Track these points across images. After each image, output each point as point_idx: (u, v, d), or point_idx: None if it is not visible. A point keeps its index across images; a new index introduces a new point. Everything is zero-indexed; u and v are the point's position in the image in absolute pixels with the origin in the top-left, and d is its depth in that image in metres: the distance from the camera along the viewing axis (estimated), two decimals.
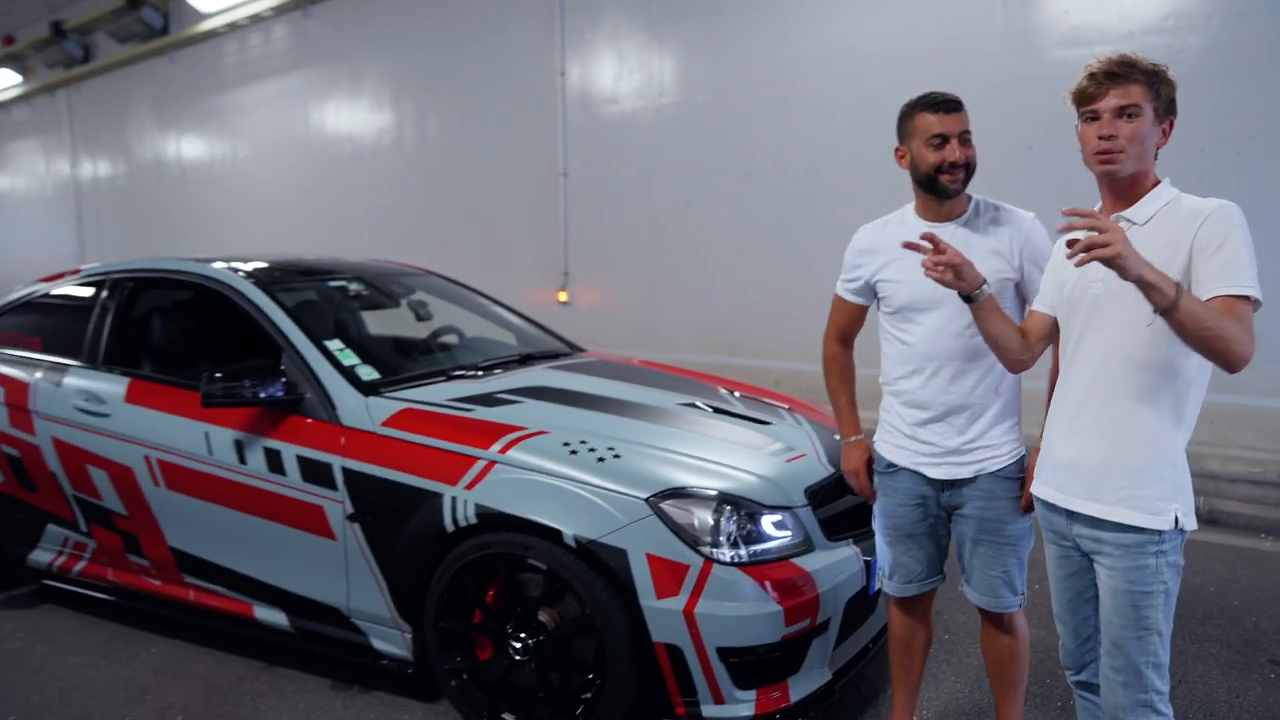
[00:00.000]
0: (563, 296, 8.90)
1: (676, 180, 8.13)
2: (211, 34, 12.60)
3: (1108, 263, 1.75)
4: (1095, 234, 1.75)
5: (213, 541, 3.44)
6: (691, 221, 8.07)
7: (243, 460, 3.28)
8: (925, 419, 2.53)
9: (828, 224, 7.02)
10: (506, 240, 9.50)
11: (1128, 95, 1.98)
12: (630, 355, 4.80)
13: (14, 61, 16.53)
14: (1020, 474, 2.52)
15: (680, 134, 8.08)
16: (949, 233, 2.46)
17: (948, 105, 2.42)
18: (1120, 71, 1.99)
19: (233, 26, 12.26)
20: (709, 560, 2.68)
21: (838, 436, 3.43)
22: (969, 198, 2.54)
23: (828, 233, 7.38)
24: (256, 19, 11.91)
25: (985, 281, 2.17)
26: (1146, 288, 1.79)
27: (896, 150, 2.55)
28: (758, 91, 7.54)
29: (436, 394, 3.32)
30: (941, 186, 2.45)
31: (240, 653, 3.59)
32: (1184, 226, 1.94)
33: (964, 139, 2.42)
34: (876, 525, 2.74)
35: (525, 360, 4.02)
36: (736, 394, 3.80)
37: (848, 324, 2.79)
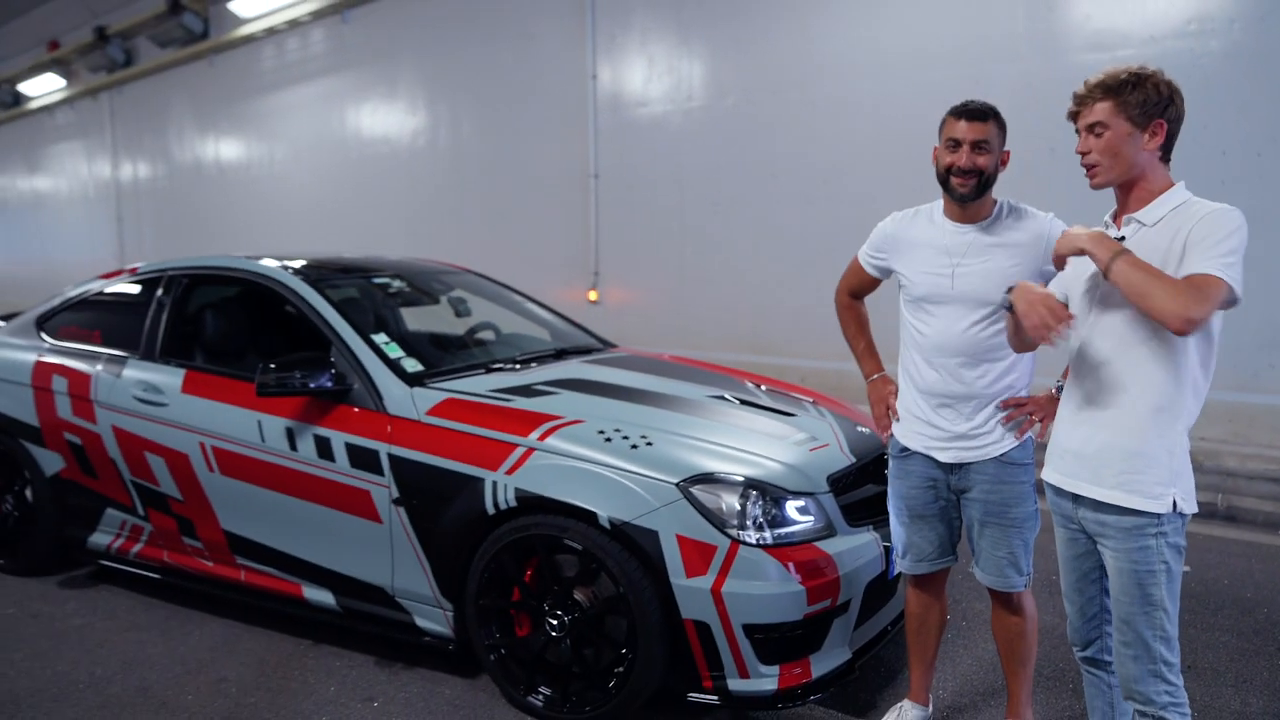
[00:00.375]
0: (593, 295, 9.08)
1: (704, 181, 8.28)
2: (250, 39, 12.89)
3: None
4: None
5: (264, 524, 3.64)
6: (719, 222, 8.22)
7: (294, 447, 3.47)
8: (936, 404, 2.67)
9: (851, 224, 7.11)
10: (538, 240, 9.69)
11: (1093, 114, 2.18)
12: (659, 352, 4.95)
13: (58, 66, 16.95)
14: (1028, 460, 2.66)
15: (708, 136, 8.23)
16: (969, 235, 2.60)
17: (971, 113, 2.57)
18: (1086, 94, 2.20)
19: (271, 31, 12.54)
20: (736, 542, 2.83)
21: (860, 428, 3.61)
22: (994, 202, 2.66)
23: (851, 232, 7.47)
24: (294, 24, 12.19)
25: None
26: (1089, 255, 2.07)
27: (934, 150, 2.68)
28: (783, 94, 7.67)
29: (477, 385, 3.49)
30: (951, 188, 2.60)
31: (289, 631, 3.78)
32: (1186, 226, 2.07)
33: (977, 147, 2.55)
34: (891, 506, 2.88)
35: (560, 355, 4.20)
36: (763, 387, 3.95)
37: (860, 286, 3.00)
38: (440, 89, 10.63)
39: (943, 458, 2.69)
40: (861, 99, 7.14)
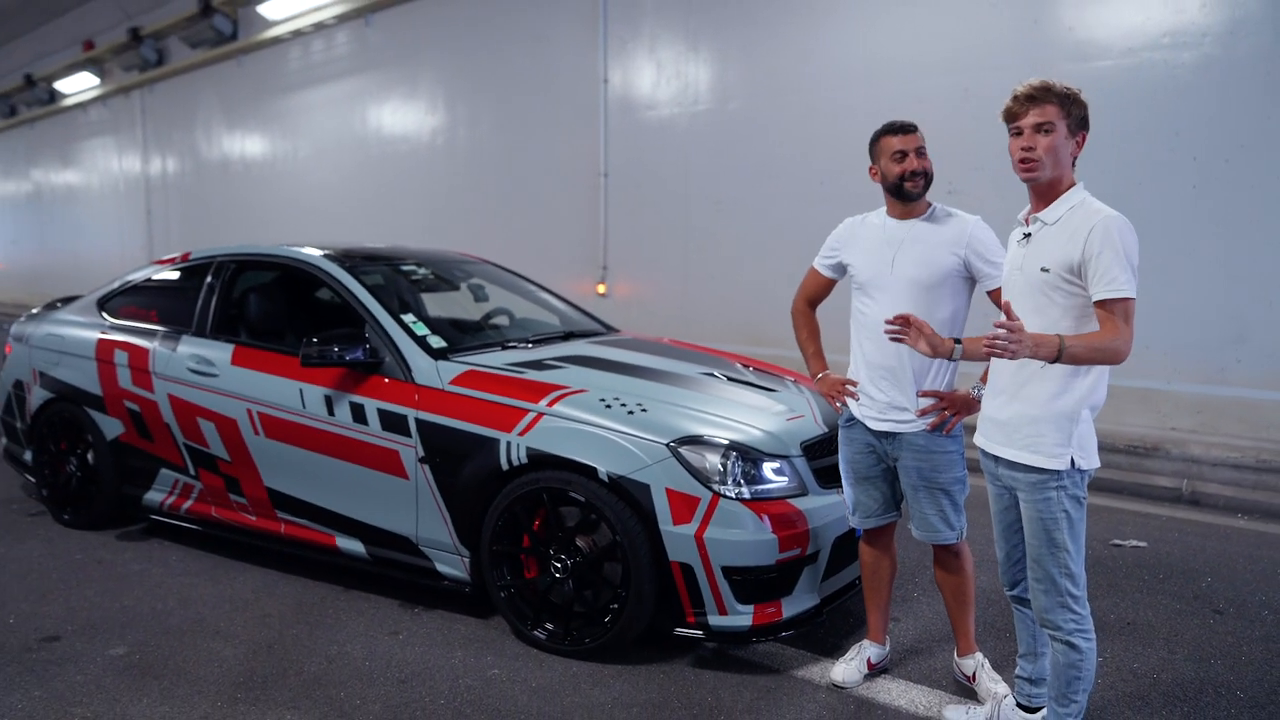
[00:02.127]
0: (601, 288, 9.54)
1: (708, 181, 8.73)
2: (277, 40, 13.41)
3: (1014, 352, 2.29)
4: (1009, 338, 2.26)
5: (303, 481, 4.10)
6: (722, 220, 8.66)
7: (331, 413, 3.93)
8: (876, 375, 3.09)
9: None
10: (550, 235, 10.15)
11: (1044, 114, 2.48)
12: (647, 335, 5.38)
13: (93, 65, 17.52)
14: (955, 433, 3.07)
15: (713, 138, 8.68)
16: (910, 228, 3.05)
17: (904, 129, 3.03)
18: (1037, 95, 2.49)
19: (297, 33, 13.05)
20: (717, 495, 3.27)
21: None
22: (928, 204, 3.12)
23: None
24: (320, 26, 12.70)
25: (955, 345, 2.61)
26: (1038, 356, 2.32)
27: (870, 169, 3.14)
28: (784, 100, 8.11)
29: (494, 359, 3.95)
30: (906, 191, 3.05)
31: (323, 578, 4.24)
32: (1081, 228, 2.46)
33: (920, 152, 3.02)
34: (840, 468, 3.30)
35: (568, 336, 4.65)
36: (750, 368, 4.38)
37: (816, 291, 3.43)
38: (459, 90, 11.11)
39: (876, 427, 3.11)
40: (857, 105, 7.55)
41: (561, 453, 3.40)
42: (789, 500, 3.40)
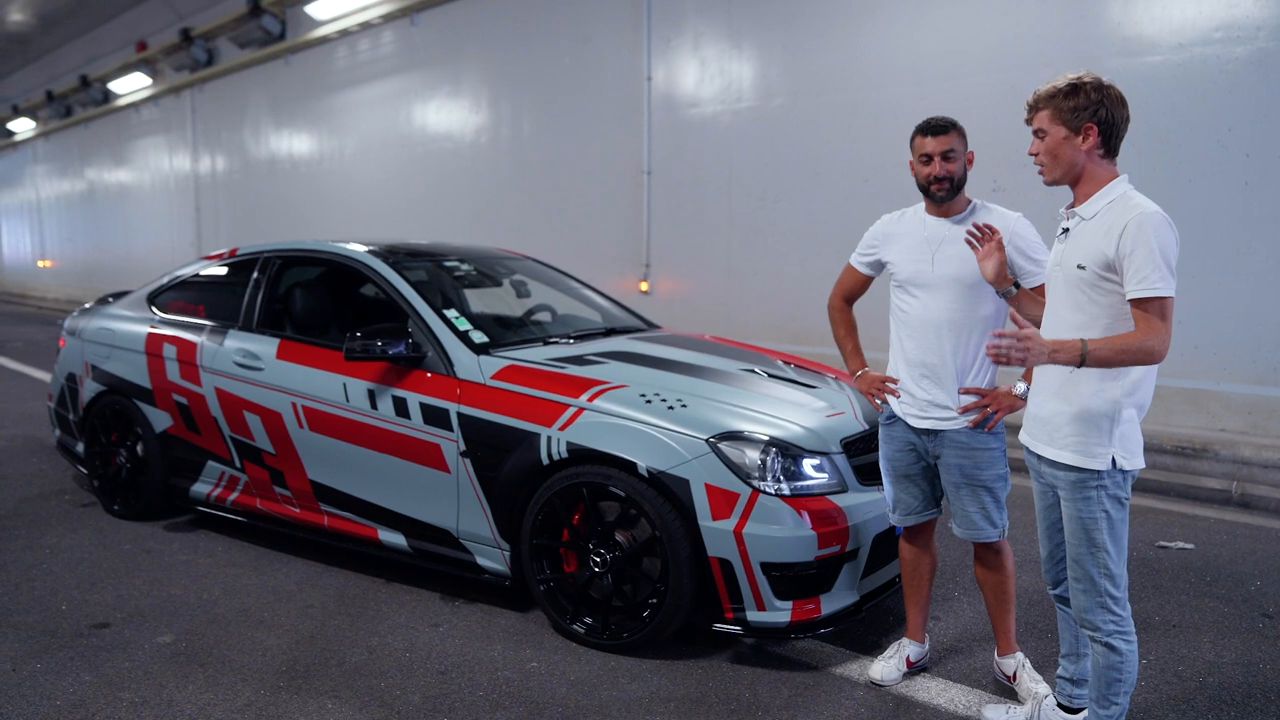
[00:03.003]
0: (644, 286, 9.55)
1: (752, 179, 8.70)
2: (324, 40, 13.60)
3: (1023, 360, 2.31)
4: (1013, 345, 2.28)
5: (346, 475, 4.15)
6: (765, 218, 8.63)
7: (374, 406, 3.98)
8: (918, 374, 3.06)
9: None
10: (593, 232, 10.19)
11: (1036, 121, 2.53)
12: (688, 331, 5.38)
13: (145, 65, 17.91)
14: (997, 430, 3.03)
15: (756, 136, 8.65)
16: (946, 228, 3.04)
17: (935, 129, 3.00)
18: (1031, 103, 2.54)
19: (344, 33, 13.22)
20: (756, 491, 3.26)
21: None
22: (968, 200, 3.09)
23: None
24: (366, 26, 12.86)
25: (1013, 283, 2.73)
26: (1057, 362, 2.32)
27: (910, 162, 3.10)
28: (828, 97, 8.06)
29: (535, 355, 3.97)
30: (931, 193, 3.05)
31: (365, 570, 4.30)
32: (1116, 224, 2.41)
33: (946, 156, 2.98)
34: (881, 466, 3.28)
35: (609, 332, 4.66)
36: (790, 365, 4.36)
37: (853, 288, 3.41)
38: (502, 89, 11.19)
39: (918, 424, 3.09)
40: (901, 102, 7.49)
41: (602, 447, 3.42)
42: (829, 497, 3.38)
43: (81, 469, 5.45)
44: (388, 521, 4.06)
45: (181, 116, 17.72)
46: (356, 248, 4.52)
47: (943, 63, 7.28)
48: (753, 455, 3.33)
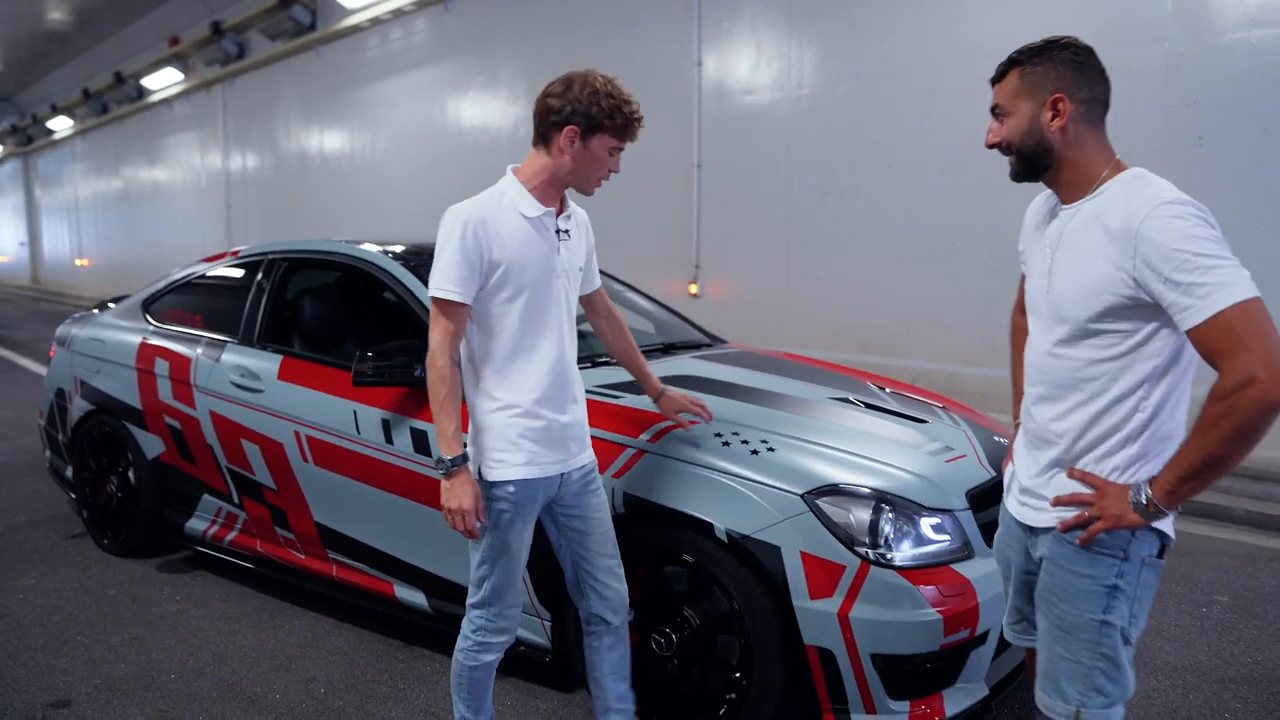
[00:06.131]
0: (693, 289, 8.83)
1: (813, 172, 7.94)
2: (356, 29, 13.04)
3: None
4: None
5: (357, 519, 3.49)
6: (828, 214, 7.87)
7: (389, 440, 3.31)
8: (1025, 440, 2.07)
9: (973, 218, 6.73)
10: (638, 231, 9.47)
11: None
12: (773, 349, 4.67)
13: (177, 60, 17.58)
14: (1111, 550, 1.86)
15: (818, 125, 7.89)
16: (1065, 220, 1.92)
17: (994, 76, 2.04)
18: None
19: (375, 21, 12.65)
20: (866, 561, 2.55)
21: (998, 438, 3.27)
22: (1102, 173, 1.92)
23: (972, 228, 7.11)
24: (399, 13, 12.27)
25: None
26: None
27: None
28: (902, 82, 7.28)
29: (583, 380, 3.26)
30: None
31: (379, 629, 3.64)
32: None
33: (996, 114, 1.99)
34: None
35: (667, 349, 3.96)
36: (886, 390, 3.63)
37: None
38: (541, 77, 10.31)
39: (1011, 509, 2.11)
40: (986, 86, 6.69)
41: (668, 502, 2.71)
42: (953, 566, 2.66)
43: (71, 495, 4.84)
44: (406, 576, 3.40)
45: (213, 112, 17.30)
46: (371, 249, 3.85)
47: (1035, 38, 6.46)
48: (861, 515, 2.61)
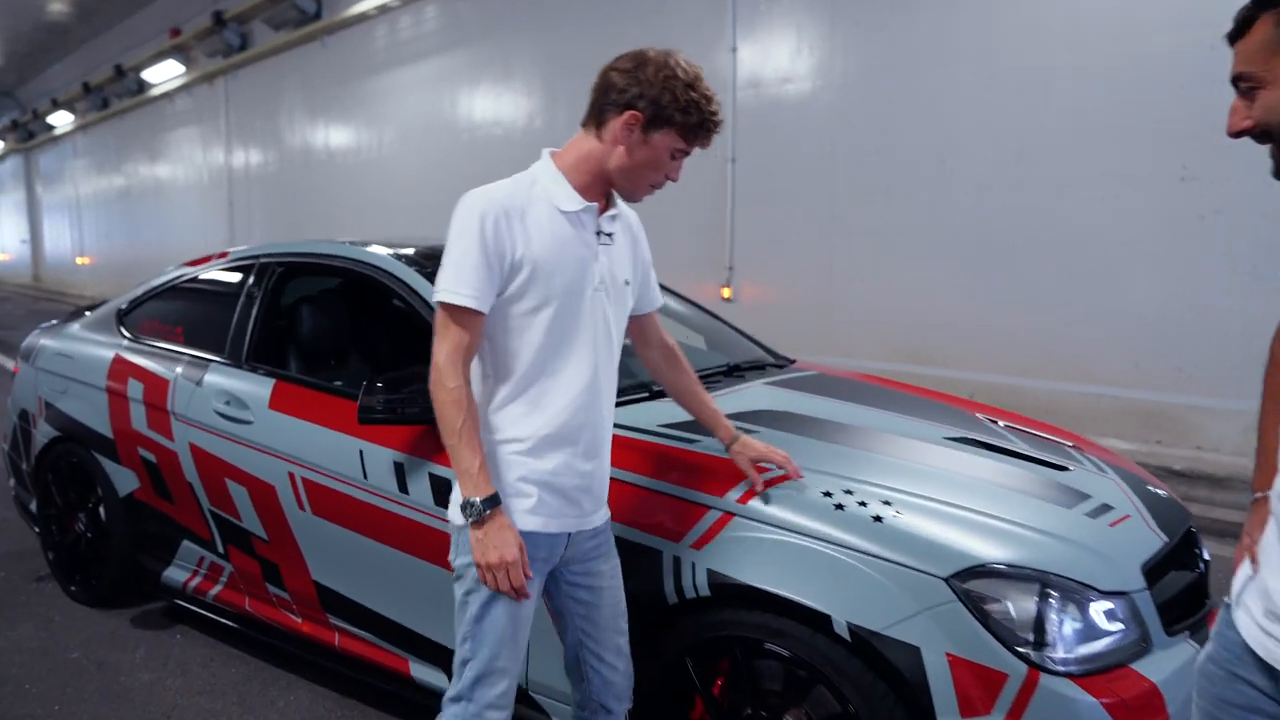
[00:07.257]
0: (726, 292, 8.19)
1: (859, 167, 7.30)
2: (362, 17, 12.45)
3: None
4: None
5: (365, 581, 2.88)
6: (875, 213, 7.22)
7: (403, 488, 2.69)
8: (1274, 537, 1.39)
9: (1041, 217, 6.10)
10: (665, 230, 8.78)
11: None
12: (837, 368, 4.05)
13: (178, 52, 17.05)
14: None
15: (864, 116, 7.25)
16: None
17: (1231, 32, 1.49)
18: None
19: (383, 9, 12.06)
20: (1035, 668, 1.93)
21: (1153, 488, 2.66)
22: None
23: (1041, 227, 6.44)
24: (407, 1, 11.65)
25: None
26: None
27: None
28: (958, 67, 6.63)
29: (643, 417, 2.64)
30: None
31: (392, 711, 3.03)
32: None
33: (1238, 84, 1.47)
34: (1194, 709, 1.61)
35: (731, 372, 3.33)
36: (1001, 423, 3.01)
37: None
38: (558, 67, 9.89)
39: (1246, 633, 1.39)
40: (1056, 70, 6.07)
41: (767, 585, 2.09)
42: (1133, 666, 2.04)
43: (37, 531, 4.23)
44: (424, 652, 2.78)
45: (215, 106, 16.71)
46: (378, 251, 3.23)
47: (1114, 21, 5.83)
48: (1023, 604, 1.99)
